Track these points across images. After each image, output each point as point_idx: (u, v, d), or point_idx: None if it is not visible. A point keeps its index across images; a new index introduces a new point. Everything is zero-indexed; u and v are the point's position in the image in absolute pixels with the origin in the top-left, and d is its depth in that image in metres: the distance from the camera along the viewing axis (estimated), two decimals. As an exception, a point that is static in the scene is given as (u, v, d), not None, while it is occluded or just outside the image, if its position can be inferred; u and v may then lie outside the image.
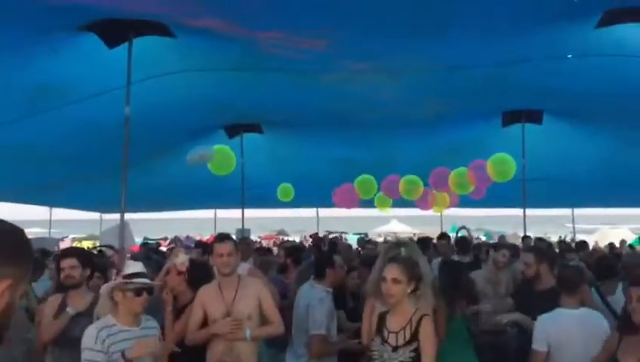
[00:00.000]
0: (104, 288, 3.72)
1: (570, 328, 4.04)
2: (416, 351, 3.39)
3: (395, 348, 3.43)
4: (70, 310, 4.21)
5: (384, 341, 3.50)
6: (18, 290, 1.37)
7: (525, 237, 9.93)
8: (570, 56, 6.42)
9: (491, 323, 5.12)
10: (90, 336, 3.46)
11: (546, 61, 6.56)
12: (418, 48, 6.29)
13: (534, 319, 4.26)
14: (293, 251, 7.20)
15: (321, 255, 5.53)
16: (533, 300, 4.80)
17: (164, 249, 14.36)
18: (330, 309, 4.78)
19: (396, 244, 4.20)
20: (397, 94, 7.89)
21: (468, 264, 5.99)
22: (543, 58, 6.48)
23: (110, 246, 10.23)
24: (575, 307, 4.15)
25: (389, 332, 3.50)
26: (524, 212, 10.07)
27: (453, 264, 5.35)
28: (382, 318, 3.61)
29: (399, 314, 3.50)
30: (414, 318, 3.43)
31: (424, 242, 7.20)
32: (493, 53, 6.41)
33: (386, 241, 12.96)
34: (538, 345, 4.08)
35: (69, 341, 4.06)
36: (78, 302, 4.29)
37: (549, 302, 4.40)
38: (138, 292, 3.56)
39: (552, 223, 47.01)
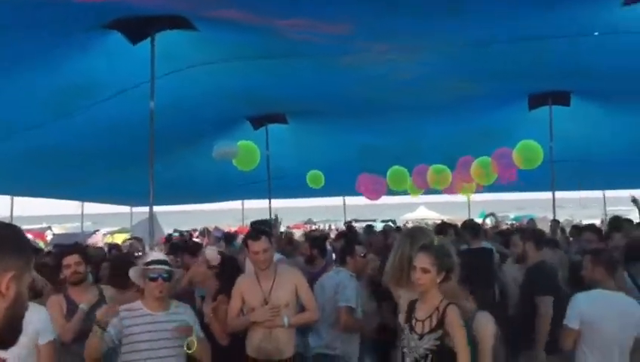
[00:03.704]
0: (131, 273, 3.93)
1: (605, 309, 3.98)
2: (441, 339, 3.39)
3: (421, 336, 3.44)
4: (84, 306, 4.28)
5: (412, 329, 3.51)
6: (23, 281, 1.49)
7: (554, 221, 9.79)
8: (596, 34, 6.26)
9: None
10: None
11: (572, 40, 6.41)
12: (438, 25, 6.19)
13: None
14: (319, 242, 7.23)
15: (345, 244, 5.74)
16: None
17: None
18: (358, 289, 4.99)
19: (410, 233, 4.24)
20: (418, 73, 7.73)
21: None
22: (568, 35, 6.34)
23: (137, 238, 10.48)
24: (613, 289, 4.09)
25: (417, 321, 3.51)
26: (554, 195, 10.01)
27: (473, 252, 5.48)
28: (412, 306, 3.62)
29: (427, 302, 3.50)
30: (441, 306, 3.43)
31: (442, 228, 7.17)
32: (515, 29, 6.28)
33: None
34: (571, 322, 4.04)
35: (86, 334, 4.15)
36: (84, 297, 4.35)
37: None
38: (154, 278, 3.76)
39: (582, 206, 46.21)
